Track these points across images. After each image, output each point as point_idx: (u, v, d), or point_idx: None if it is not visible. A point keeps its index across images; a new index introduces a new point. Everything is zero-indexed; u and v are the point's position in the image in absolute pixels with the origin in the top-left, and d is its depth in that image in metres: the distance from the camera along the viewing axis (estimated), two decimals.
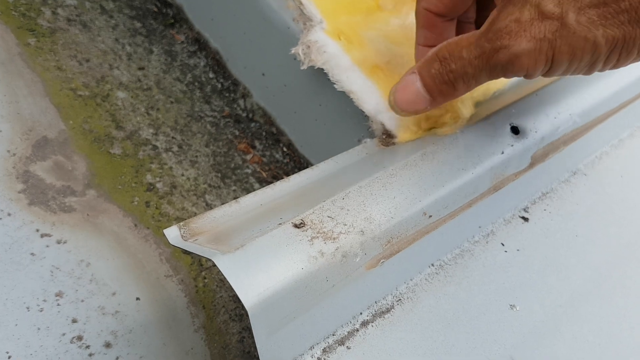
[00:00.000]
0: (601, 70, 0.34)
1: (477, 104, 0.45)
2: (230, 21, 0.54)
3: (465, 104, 0.44)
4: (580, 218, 0.49)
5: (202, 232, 0.34)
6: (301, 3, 0.49)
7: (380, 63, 0.46)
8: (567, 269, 0.45)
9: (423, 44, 0.41)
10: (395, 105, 0.39)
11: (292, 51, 0.46)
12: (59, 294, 0.40)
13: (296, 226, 0.34)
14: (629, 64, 0.33)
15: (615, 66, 0.33)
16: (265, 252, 0.32)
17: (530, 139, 0.44)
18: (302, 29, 0.47)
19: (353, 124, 0.47)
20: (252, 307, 0.29)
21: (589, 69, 0.33)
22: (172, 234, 0.34)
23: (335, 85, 0.45)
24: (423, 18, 0.40)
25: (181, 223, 0.35)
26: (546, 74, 0.34)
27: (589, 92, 0.49)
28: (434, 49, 0.37)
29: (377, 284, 0.37)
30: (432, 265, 0.41)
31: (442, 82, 0.37)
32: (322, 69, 0.46)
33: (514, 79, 0.49)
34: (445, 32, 0.40)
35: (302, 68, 0.45)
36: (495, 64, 0.34)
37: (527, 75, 0.34)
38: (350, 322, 0.37)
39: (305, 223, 0.34)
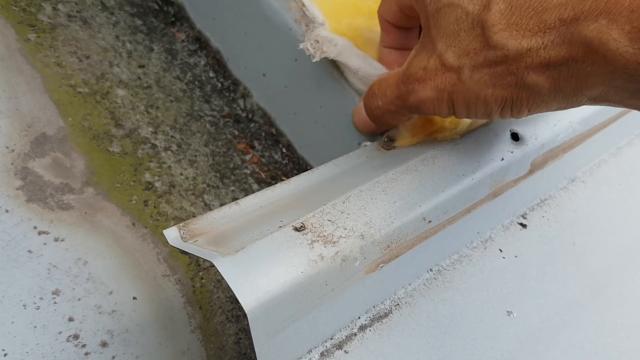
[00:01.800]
0: (501, 119, 0.35)
1: None
2: (231, 21, 0.54)
3: None
4: (578, 225, 0.49)
5: (201, 233, 0.34)
6: (303, 4, 0.48)
7: None
8: (564, 276, 0.45)
9: (383, 45, 0.45)
10: (355, 126, 0.46)
11: (301, 46, 0.45)
12: (55, 292, 0.40)
13: (297, 229, 0.34)
14: (528, 115, 0.34)
15: (514, 117, 0.34)
16: (265, 255, 0.31)
17: (530, 146, 0.44)
18: (304, 30, 0.47)
19: (353, 127, 0.47)
20: (251, 310, 0.29)
21: (488, 118, 0.35)
22: (172, 234, 0.34)
23: (358, 75, 0.45)
24: (381, 23, 0.44)
25: (181, 224, 0.35)
26: (455, 116, 0.37)
27: None
28: (373, 82, 0.41)
29: (376, 289, 0.37)
30: (431, 270, 0.42)
31: (373, 115, 0.42)
32: (324, 71, 0.47)
33: None
34: (402, 38, 0.44)
35: (313, 61, 0.45)
36: (410, 105, 0.38)
37: (439, 115, 0.37)
38: (349, 327, 0.37)
39: (306, 226, 0.34)
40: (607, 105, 0.32)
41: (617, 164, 0.56)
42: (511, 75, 0.32)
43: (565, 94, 0.31)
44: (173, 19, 0.62)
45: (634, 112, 0.56)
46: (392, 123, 0.42)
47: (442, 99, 0.35)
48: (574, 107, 0.33)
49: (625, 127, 0.57)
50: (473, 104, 0.34)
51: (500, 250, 0.45)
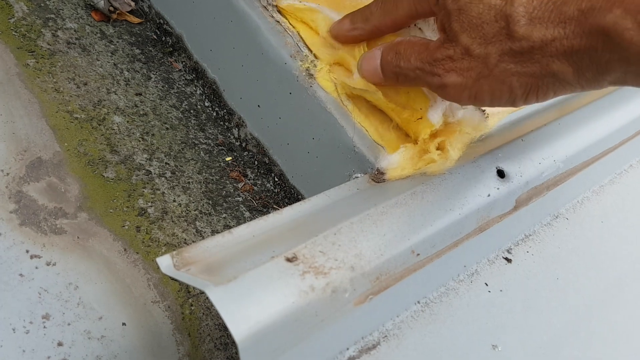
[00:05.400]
0: (525, 104, 0.37)
1: (465, 147, 0.47)
2: (228, 53, 0.55)
3: (453, 146, 0.45)
4: (561, 261, 0.50)
5: (194, 261, 0.35)
6: (300, 40, 0.50)
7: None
8: (547, 311, 0.46)
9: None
10: (359, 71, 0.45)
11: None
12: (45, 317, 0.40)
13: (288, 260, 0.34)
14: (553, 97, 0.37)
15: (539, 101, 0.37)
16: (257, 285, 0.32)
17: (515, 183, 0.46)
18: (298, 65, 0.49)
19: (344, 159, 0.48)
20: (242, 340, 0.30)
21: (512, 105, 0.38)
22: (165, 262, 0.34)
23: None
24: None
25: (174, 252, 0.35)
26: (473, 104, 0.39)
27: (572, 140, 0.51)
28: (399, 38, 0.42)
29: (365, 320, 0.38)
30: (418, 302, 0.42)
31: (389, 71, 0.42)
32: (318, 105, 0.48)
33: (500, 123, 0.51)
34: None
35: None
36: (430, 84, 0.40)
37: (457, 102, 0.40)
38: (337, 358, 0.37)
39: (298, 257, 0.35)
40: (627, 86, 0.34)
41: (599, 201, 0.57)
42: (536, 63, 0.34)
43: (588, 79, 0.33)
44: (171, 49, 0.63)
45: (616, 152, 0.58)
46: (404, 85, 0.43)
47: (466, 85, 0.37)
48: (597, 89, 0.35)
49: (608, 166, 0.59)
50: (498, 90, 0.36)
51: (486, 284, 0.46)
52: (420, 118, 0.44)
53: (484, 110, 0.46)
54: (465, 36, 0.36)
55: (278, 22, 0.51)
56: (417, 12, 0.42)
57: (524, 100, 0.36)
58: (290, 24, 0.51)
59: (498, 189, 0.44)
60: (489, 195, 0.44)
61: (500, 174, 0.46)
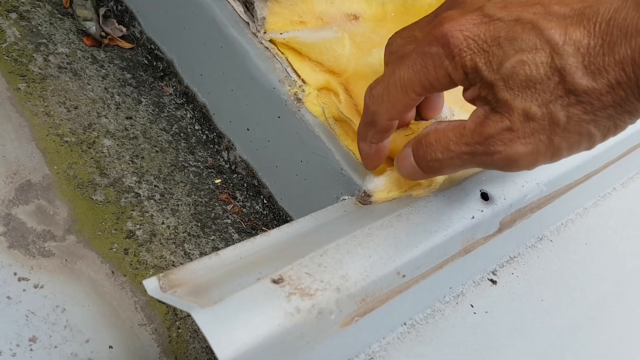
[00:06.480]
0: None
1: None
2: (218, 78, 0.56)
3: None
4: (545, 282, 0.51)
5: (181, 284, 0.35)
6: (288, 65, 0.51)
7: None
8: (532, 332, 0.47)
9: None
10: (399, 173, 0.42)
11: None
12: (32, 339, 0.40)
13: (274, 282, 0.35)
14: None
15: (614, 135, 0.35)
16: (243, 307, 0.32)
17: (499, 205, 0.46)
18: (287, 90, 0.50)
19: (332, 181, 0.49)
20: None
21: (587, 150, 0.36)
22: (151, 285, 0.35)
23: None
24: (379, 122, 0.41)
25: (161, 274, 0.35)
26: (550, 163, 0.37)
27: (555, 163, 0.52)
28: (424, 131, 0.39)
29: (351, 342, 0.38)
30: (405, 324, 0.43)
31: (428, 166, 0.39)
32: (306, 129, 0.49)
33: None
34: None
35: None
36: (487, 163, 0.36)
37: (529, 170, 0.37)
38: None
39: (284, 279, 0.35)
40: None
41: (583, 224, 0.58)
42: (610, 107, 0.32)
43: None
44: (162, 73, 0.64)
45: (600, 175, 0.59)
46: (448, 173, 0.40)
47: (539, 150, 0.35)
48: None
49: (591, 189, 0.60)
50: (577, 142, 0.34)
51: (472, 306, 0.46)
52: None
53: None
54: (519, 101, 0.34)
55: (267, 48, 0.52)
56: (431, 90, 0.38)
57: (602, 141, 0.35)
58: (279, 50, 0.52)
59: (482, 211, 0.45)
60: (473, 218, 0.44)
61: (484, 196, 0.46)
